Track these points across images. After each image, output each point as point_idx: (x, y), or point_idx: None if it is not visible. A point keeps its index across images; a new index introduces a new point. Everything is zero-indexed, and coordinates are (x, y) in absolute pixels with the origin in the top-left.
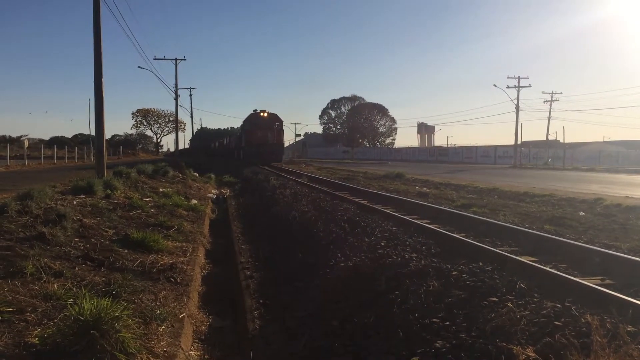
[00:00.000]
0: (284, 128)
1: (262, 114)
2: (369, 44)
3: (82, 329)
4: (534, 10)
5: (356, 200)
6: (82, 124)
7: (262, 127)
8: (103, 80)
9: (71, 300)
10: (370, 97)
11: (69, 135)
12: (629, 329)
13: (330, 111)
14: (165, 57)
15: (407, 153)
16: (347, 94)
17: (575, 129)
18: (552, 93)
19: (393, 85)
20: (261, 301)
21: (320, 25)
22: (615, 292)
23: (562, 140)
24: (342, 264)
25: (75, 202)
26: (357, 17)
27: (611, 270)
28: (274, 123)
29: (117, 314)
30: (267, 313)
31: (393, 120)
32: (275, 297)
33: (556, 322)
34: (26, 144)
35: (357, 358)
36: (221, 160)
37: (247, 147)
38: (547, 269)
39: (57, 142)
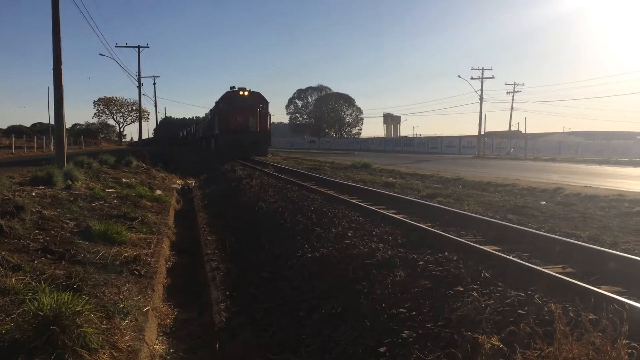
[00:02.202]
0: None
1: (242, 92)
2: (335, 32)
3: (41, 325)
4: (498, 2)
5: (323, 190)
6: (41, 113)
7: (243, 110)
8: (62, 67)
9: (30, 294)
10: (336, 87)
11: (28, 124)
12: (590, 317)
13: (296, 101)
14: (128, 45)
15: (374, 143)
16: (314, 84)
17: (537, 120)
18: (515, 84)
19: (359, 76)
20: (227, 293)
21: (286, 15)
22: (576, 280)
23: (524, 131)
24: (309, 255)
25: (34, 194)
26: (323, 5)
27: (571, 258)
28: (257, 104)
29: (78, 309)
30: (233, 305)
31: (359, 111)
32: (241, 289)
33: (520, 311)
34: None
35: (324, 348)
36: (191, 153)
37: (222, 136)
38: (511, 257)
39: (15, 131)
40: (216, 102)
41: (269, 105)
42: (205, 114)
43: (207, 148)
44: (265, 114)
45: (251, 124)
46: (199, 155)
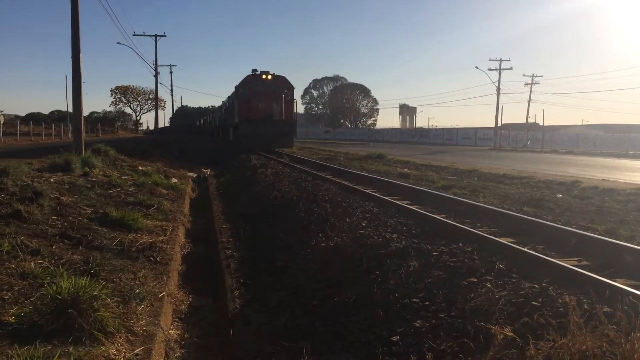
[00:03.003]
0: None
1: (265, 76)
2: (352, 24)
3: (59, 308)
4: None
5: (338, 180)
6: (59, 100)
7: (266, 96)
8: (81, 55)
9: (48, 278)
10: (352, 78)
11: (46, 111)
12: (605, 310)
13: (312, 91)
14: (145, 34)
15: (389, 134)
16: (330, 74)
17: (554, 112)
18: (533, 76)
19: (376, 66)
20: (242, 280)
21: (305, 5)
22: (592, 272)
23: (541, 123)
24: (323, 244)
25: (52, 180)
26: None
27: (588, 251)
28: (282, 90)
29: (95, 293)
30: (247, 292)
31: (375, 101)
32: (256, 277)
33: (534, 303)
34: (1, 120)
35: (337, 337)
36: (207, 142)
37: (242, 125)
38: (526, 250)
39: (34, 118)
40: (236, 87)
41: (295, 91)
42: (223, 101)
43: (224, 138)
44: (291, 101)
45: (275, 112)
46: (215, 144)
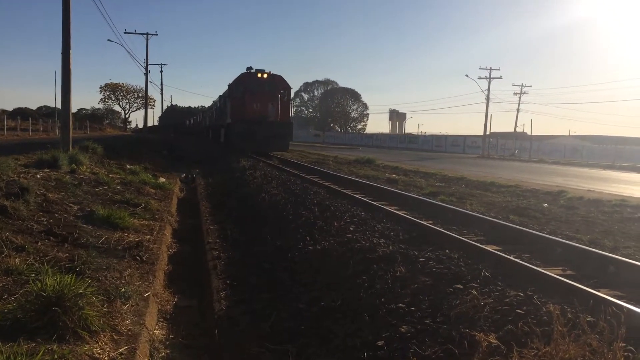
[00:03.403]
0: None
1: (260, 74)
2: (344, 29)
3: (44, 305)
4: (507, 9)
5: (326, 184)
6: (47, 96)
7: (261, 96)
8: (71, 51)
9: (33, 275)
10: (343, 82)
11: (34, 107)
12: (588, 319)
13: (302, 94)
14: (136, 32)
15: (378, 139)
16: (320, 78)
17: (543, 122)
18: (522, 86)
19: (366, 71)
20: (228, 282)
21: (296, 8)
22: (576, 282)
23: (529, 133)
24: (310, 247)
25: (39, 176)
26: (332, 2)
27: (572, 261)
28: (278, 90)
29: (80, 291)
30: (234, 294)
31: (365, 106)
32: (242, 279)
33: (518, 310)
34: None
35: (323, 340)
36: (196, 142)
37: (235, 126)
38: (511, 258)
39: (21, 113)
40: (229, 86)
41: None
42: (214, 101)
43: (215, 139)
44: (288, 102)
45: (270, 113)
46: (205, 145)
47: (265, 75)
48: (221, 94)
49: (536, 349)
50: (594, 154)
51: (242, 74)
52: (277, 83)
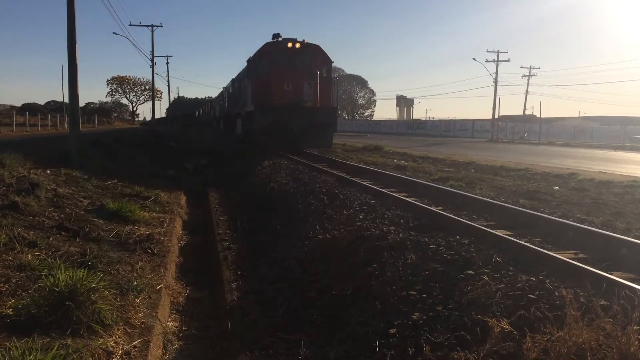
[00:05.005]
0: None
1: (291, 44)
2: (350, 15)
3: (57, 300)
4: None
5: (335, 172)
6: (55, 90)
7: (294, 72)
8: (77, 46)
9: (46, 270)
10: (350, 69)
11: (42, 102)
12: (602, 303)
13: None
14: (141, 24)
15: (386, 125)
16: None
17: (552, 105)
18: (530, 68)
19: (373, 58)
20: (239, 272)
21: None
22: (589, 265)
23: (538, 115)
24: (320, 236)
25: (49, 171)
26: None
27: (584, 244)
28: (316, 64)
29: (93, 285)
30: (244, 284)
31: (372, 93)
32: (253, 269)
33: (530, 295)
34: None
35: (334, 329)
36: (205, 133)
37: (258, 114)
38: (522, 242)
39: (30, 108)
40: (248, 61)
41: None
42: (224, 87)
43: (228, 131)
44: (329, 81)
45: (307, 96)
46: (214, 136)
47: (297, 45)
48: (234, 77)
49: (549, 334)
50: (604, 135)
51: (267, 44)
52: (316, 55)
